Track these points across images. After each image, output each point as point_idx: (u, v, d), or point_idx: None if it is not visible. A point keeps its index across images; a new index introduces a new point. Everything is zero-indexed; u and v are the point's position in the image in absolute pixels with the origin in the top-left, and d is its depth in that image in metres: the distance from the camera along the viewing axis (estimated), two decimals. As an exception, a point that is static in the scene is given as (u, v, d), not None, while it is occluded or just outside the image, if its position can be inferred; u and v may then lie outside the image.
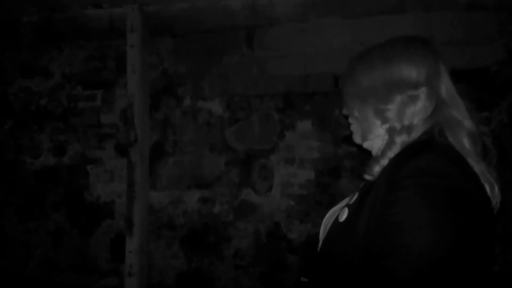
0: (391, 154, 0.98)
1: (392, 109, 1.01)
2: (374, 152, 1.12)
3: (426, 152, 0.91)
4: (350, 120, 1.16)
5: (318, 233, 1.18)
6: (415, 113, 0.99)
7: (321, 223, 1.19)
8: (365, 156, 1.15)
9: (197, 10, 2.81)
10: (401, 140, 0.98)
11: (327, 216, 1.19)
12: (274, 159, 2.90)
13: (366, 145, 1.15)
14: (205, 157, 2.99)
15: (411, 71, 1.01)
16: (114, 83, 3.16)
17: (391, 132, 1.01)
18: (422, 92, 0.99)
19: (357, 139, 1.15)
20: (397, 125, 1.01)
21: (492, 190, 0.96)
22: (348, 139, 1.19)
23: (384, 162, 0.98)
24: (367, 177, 1.00)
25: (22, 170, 3.25)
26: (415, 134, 0.99)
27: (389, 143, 1.00)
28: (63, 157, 3.21)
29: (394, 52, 1.05)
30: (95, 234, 3.12)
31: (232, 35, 2.95)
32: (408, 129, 0.99)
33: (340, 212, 1.04)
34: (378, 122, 1.06)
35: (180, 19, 2.86)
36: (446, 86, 1.03)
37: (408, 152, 0.94)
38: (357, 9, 2.67)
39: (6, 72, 3.31)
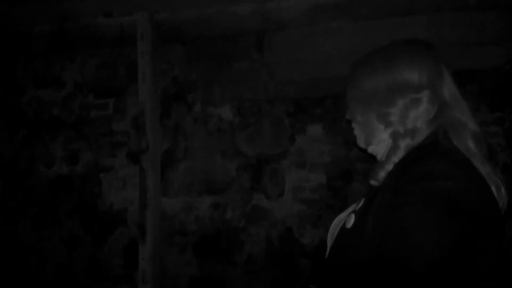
0: (395, 158, 0.97)
1: (394, 113, 1.01)
2: (379, 157, 1.12)
3: (430, 155, 0.90)
4: (353, 125, 1.16)
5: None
6: (418, 116, 0.99)
7: None
8: (376, 159, 1.15)
9: (206, 16, 2.82)
10: (405, 144, 0.98)
11: (334, 222, 1.19)
12: (285, 164, 2.89)
13: (370, 150, 1.14)
14: (216, 162, 2.99)
15: (413, 74, 1.00)
16: (125, 91, 3.18)
17: (395, 136, 1.01)
18: (425, 95, 0.99)
19: (360, 143, 1.16)
20: (401, 129, 1.01)
21: (499, 191, 0.95)
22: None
23: (389, 167, 0.97)
24: (372, 182, 1.00)
25: (36, 179, 3.28)
26: (419, 138, 0.98)
27: (393, 148, 0.99)
28: (76, 166, 3.23)
29: (396, 55, 1.05)
30: (108, 242, 3.13)
31: (242, 41, 2.96)
32: (412, 132, 0.99)
33: (347, 218, 1.04)
34: (381, 127, 1.06)
35: (190, 26, 2.87)
36: (449, 89, 1.03)
37: (412, 156, 0.94)
38: (366, 12, 2.66)
39: (19, 82, 3.35)
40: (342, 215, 1.16)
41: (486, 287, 0.86)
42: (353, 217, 1.01)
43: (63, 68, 3.30)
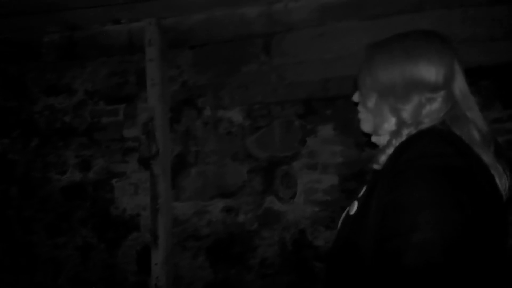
0: (396, 143, 1.00)
1: (408, 109, 1.02)
2: (381, 145, 1.14)
3: (425, 136, 0.94)
4: (361, 108, 1.16)
5: None
6: (429, 113, 1.00)
7: None
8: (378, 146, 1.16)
9: (214, 20, 2.82)
10: (407, 132, 1.00)
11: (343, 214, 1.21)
12: (297, 166, 2.87)
13: (374, 139, 1.16)
14: (227, 166, 2.99)
15: (431, 73, 1.01)
16: (135, 97, 3.19)
17: (401, 126, 1.02)
18: (440, 95, 1.00)
19: (366, 129, 1.16)
20: (409, 122, 1.02)
21: (501, 179, 0.97)
22: (372, 142, 1.18)
23: (389, 150, 1.00)
24: (375, 166, 1.03)
25: (49, 186, 3.30)
26: (422, 127, 1.00)
27: (395, 134, 1.02)
28: (88, 173, 3.25)
29: (416, 48, 1.05)
30: (122, 248, 3.14)
31: (250, 44, 2.95)
32: (418, 124, 1.00)
33: (351, 205, 1.06)
34: (392, 119, 1.06)
35: (198, 31, 2.88)
36: (459, 85, 1.03)
37: (410, 140, 0.97)
38: (375, 11, 2.63)
39: (30, 92, 3.39)
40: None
41: (485, 277, 0.86)
42: (356, 203, 1.03)
43: (74, 77, 3.32)
